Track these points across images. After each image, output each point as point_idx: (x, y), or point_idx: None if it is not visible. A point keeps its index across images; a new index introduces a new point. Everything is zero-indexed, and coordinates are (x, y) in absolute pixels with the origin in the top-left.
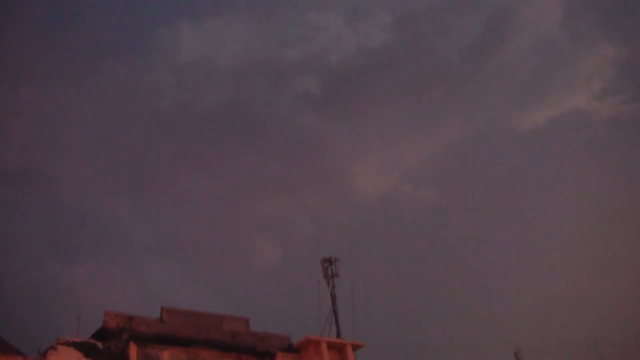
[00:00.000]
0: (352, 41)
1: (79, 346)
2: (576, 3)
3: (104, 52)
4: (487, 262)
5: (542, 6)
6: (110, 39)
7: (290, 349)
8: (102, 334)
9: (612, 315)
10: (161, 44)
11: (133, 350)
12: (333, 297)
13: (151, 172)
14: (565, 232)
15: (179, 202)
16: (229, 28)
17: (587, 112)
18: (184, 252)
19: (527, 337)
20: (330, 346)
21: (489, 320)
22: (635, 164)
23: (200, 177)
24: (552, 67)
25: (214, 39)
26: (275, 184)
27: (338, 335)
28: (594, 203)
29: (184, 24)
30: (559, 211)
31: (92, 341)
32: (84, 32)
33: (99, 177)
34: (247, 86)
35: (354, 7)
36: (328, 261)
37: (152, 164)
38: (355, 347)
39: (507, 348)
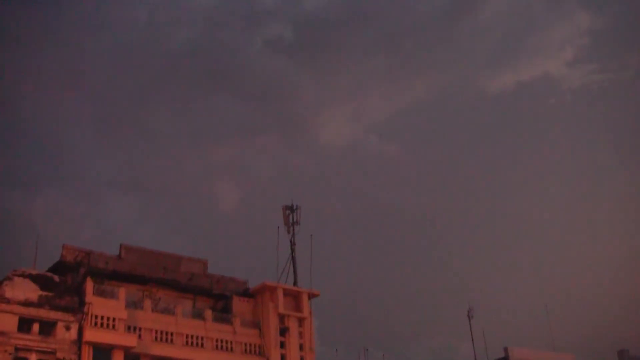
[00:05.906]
0: None
1: (35, 278)
2: None
3: None
4: (444, 222)
5: None
6: None
7: (246, 293)
8: (59, 267)
9: None
10: None
11: (89, 285)
12: (292, 245)
13: (116, 106)
14: (530, 192)
15: (142, 139)
16: None
17: (557, 79)
18: (144, 189)
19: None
20: (286, 293)
21: (444, 280)
22: (601, 131)
23: (165, 115)
24: (525, 32)
25: None
26: (239, 127)
27: (295, 283)
28: (559, 166)
29: None
30: (523, 172)
31: (49, 274)
32: None
33: (63, 107)
34: (219, 27)
35: None
36: (289, 209)
37: (117, 98)
38: (311, 296)
39: (462, 306)
